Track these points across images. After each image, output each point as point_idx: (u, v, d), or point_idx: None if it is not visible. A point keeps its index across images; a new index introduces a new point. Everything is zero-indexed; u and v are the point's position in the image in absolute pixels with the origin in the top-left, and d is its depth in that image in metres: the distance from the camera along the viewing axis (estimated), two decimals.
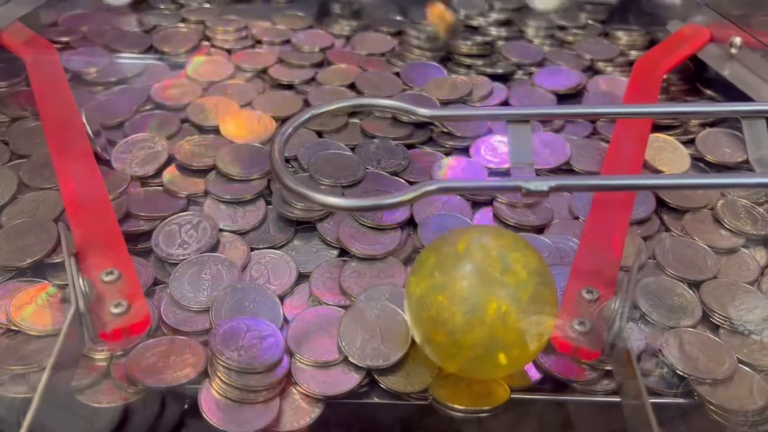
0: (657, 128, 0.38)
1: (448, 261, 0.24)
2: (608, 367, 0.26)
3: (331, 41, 0.47)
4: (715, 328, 0.28)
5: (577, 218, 0.33)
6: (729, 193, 0.34)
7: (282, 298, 0.29)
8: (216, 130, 0.37)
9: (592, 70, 0.45)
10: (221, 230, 0.31)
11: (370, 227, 0.31)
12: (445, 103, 0.40)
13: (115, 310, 0.25)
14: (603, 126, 0.39)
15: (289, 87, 0.42)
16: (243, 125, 0.37)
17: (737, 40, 0.39)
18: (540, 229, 0.32)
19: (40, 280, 0.28)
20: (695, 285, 0.30)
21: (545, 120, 0.39)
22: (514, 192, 0.26)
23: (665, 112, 0.34)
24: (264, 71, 0.43)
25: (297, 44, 0.46)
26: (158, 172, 0.34)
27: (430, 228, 0.31)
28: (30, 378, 0.25)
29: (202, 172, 0.34)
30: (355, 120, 0.39)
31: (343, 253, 0.31)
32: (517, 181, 0.26)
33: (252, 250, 0.31)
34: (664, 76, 0.40)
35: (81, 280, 0.24)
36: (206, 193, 0.33)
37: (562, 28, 0.50)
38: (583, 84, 0.43)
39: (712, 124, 0.39)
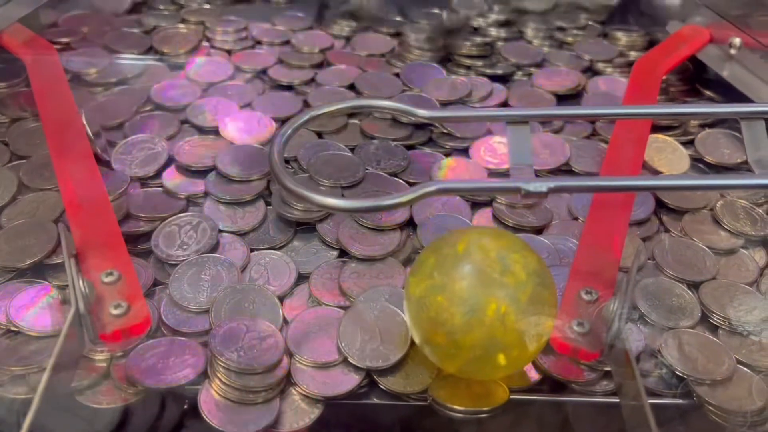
0: (656, 129, 0.38)
1: (447, 262, 0.24)
2: (607, 368, 0.26)
3: (331, 42, 0.47)
4: (714, 329, 0.28)
5: (576, 219, 0.33)
6: (728, 194, 0.34)
7: (281, 299, 0.29)
8: (216, 131, 0.37)
9: (591, 71, 0.46)
10: (221, 231, 0.31)
11: (369, 228, 0.31)
12: (444, 104, 0.40)
13: (114, 311, 0.25)
14: (602, 127, 0.39)
15: (289, 88, 0.42)
16: (243, 126, 0.37)
17: (736, 40, 0.39)
18: (539, 230, 0.32)
19: (40, 281, 0.28)
20: (694, 286, 0.30)
21: (544, 121, 0.39)
22: (513, 193, 0.26)
23: (663, 113, 0.34)
24: (264, 72, 0.43)
25: (297, 45, 0.46)
26: (158, 173, 0.34)
27: (430, 229, 0.31)
28: (30, 379, 0.25)
29: (202, 173, 0.34)
30: (355, 121, 0.39)
31: (343, 254, 0.31)
32: (517, 183, 0.26)
33: (252, 251, 0.31)
34: (664, 77, 0.40)
35: (81, 281, 0.24)
36: (206, 194, 0.33)
37: (561, 29, 0.50)
38: (583, 85, 0.43)
39: (711, 125, 0.39)
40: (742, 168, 0.36)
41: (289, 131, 0.29)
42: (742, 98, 0.38)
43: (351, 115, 0.39)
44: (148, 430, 0.25)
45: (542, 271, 0.24)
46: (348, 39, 0.48)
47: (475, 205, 0.33)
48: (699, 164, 0.37)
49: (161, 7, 0.51)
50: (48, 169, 0.33)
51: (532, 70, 0.45)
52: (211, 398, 0.25)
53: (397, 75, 0.43)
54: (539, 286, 0.23)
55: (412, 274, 0.25)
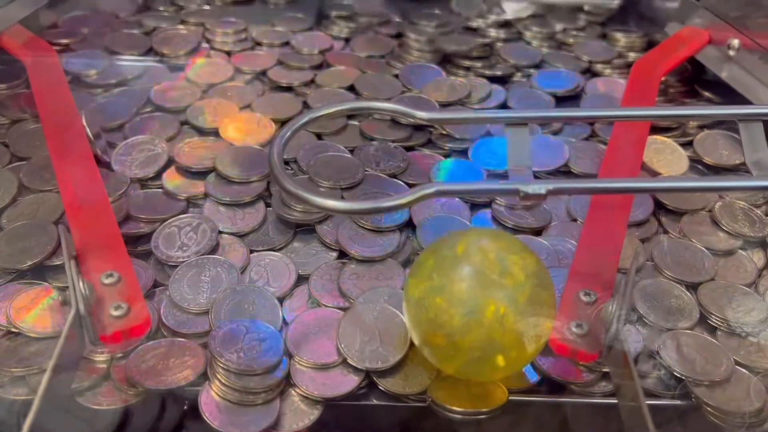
0: (655, 130, 0.38)
1: (446, 263, 0.24)
2: (606, 369, 0.26)
3: (330, 43, 0.47)
4: (712, 330, 0.28)
5: (575, 220, 0.33)
6: (727, 195, 0.34)
7: (281, 300, 0.29)
8: (215, 133, 0.37)
9: (590, 72, 0.46)
10: (221, 232, 0.31)
11: (368, 229, 0.31)
12: (443, 105, 0.41)
13: (115, 313, 0.25)
14: (601, 128, 0.39)
15: (289, 89, 0.42)
16: (242, 127, 0.37)
17: (735, 42, 0.39)
18: (538, 232, 0.32)
19: (41, 282, 0.28)
20: (693, 287, 0.30)
21: (543, 123, 0.39)
22: (512, 195, 0.26)
23: (662, 115, 0.34)
24: (263, 73, 0.43)
25: (296, 46, 0.46)
26: (158, 175, 0.34)
27: (429, 230, 0.31)
28: (30, 380, 0.25)
29: (202, 174, 0.34)
30: (354, 122, 0.39)
31: (342, 255, 0.31)
32: (515, 184, 0.26)
33: (251, 252, 0.31)
34: (663, 78, 0.40)
35: (81, 283, 0.24)
36: (206, 196, 0.33)
37: (560, 30, 0.50)
38: (582, 86, 0.43)
39: (710, 126, 0.39)
40: (741, 169, 0.36)
41: (288, 133, 0.29)
42: (741, 99, 0.38)
43: (350, 117, 0.39)
44: None
45: (541, 272, 0.24)
46: (347, 40, 0.48)
47: (474, 206, 0.34)
48: (698, 165, 0.37)
49: (161, 9, 0.51)
50: (48, 170, 0.33)
51: (531, 71, 0.45)
52: (211, 400, 0.25)
53: (397, 76, 0.43)
54: (538, 287, 0.23)
55: (412, 275, 0.25)
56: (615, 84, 0.43)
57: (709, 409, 0.25)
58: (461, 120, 0.34)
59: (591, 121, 0.39)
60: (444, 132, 0.38)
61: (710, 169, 0.37)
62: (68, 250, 0.25)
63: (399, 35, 0.49)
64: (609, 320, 0.24)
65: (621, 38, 0.49)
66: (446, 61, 0.46)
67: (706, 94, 0.43)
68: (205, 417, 0.24)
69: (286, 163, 0.35)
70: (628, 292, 0.24)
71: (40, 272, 0.29)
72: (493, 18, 0.51)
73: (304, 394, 0.25)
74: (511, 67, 0.45)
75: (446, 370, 0.25)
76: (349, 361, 0.26)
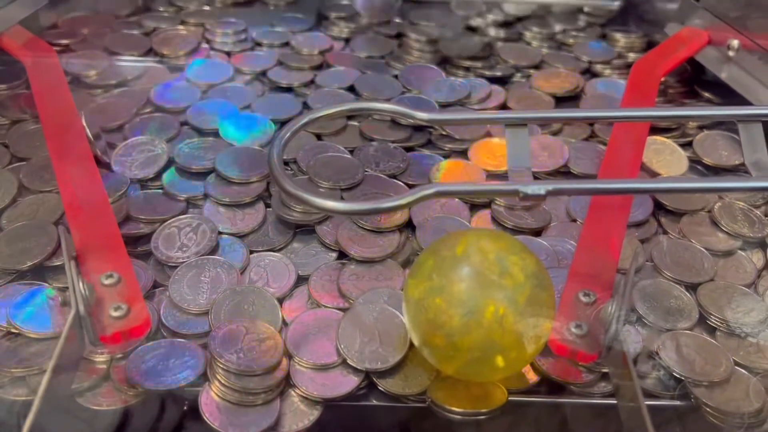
0: (655, 130, 0.38)
1: (446, 264, 0.24)
2: (605, 370, 0.26)
3: (330, 44, 0.47)
4: (711, 331, 0.28)
5: (574, 221, 0.33)
6: (726, 196, 0.34)
7: (281, 301, 0.29)
8: (215, 133, 0.37)
9: (590, 73, 0.46)
10: (220, 233, 0.31)
11: (368, 230, 0.31)
12: (443, 106, 0.41)
13: (114, 314, 0.25)
14: (601, 128, 0.39)
15: (288, 90, 0.42)
16: (242, 128, 0.37)
17: (735, 43, 0.39)
18: (538, 232, 0.32)
19: (41, 283, 0.28)
20: (692, 287, 0.30)
21: (543, 124, 0.39)
22: (511, 196, 0.26)
23: (661, 115, 0.34)
24: (263, 74, 0.43)
25: (296, 47, 0.46)
26: (158, 175, 0.34)
27: (429, 231, 0.31)
28: (30, 381, 0.25)
29: (202, 175, 0.34)
30: (354, 123, 0.39)
31: (342, 255, 0.31)
32: (515, 185, 0.26)
33: (251, 252, 0.31)
34: (662, 79, 0.40)
35: (81, 284, 0.24)
36: (206, 196, 0.33)
37: (560, 30, 0.50)
38: (581, 86, 0.43)
39: (709, 127, 0.39)
40: (741, 169, 0.36)
41: (288, 134, 0.29)
42: (740, 100, 0.38)
43: (350, 117, 0.39)
44: None
45: (540, 273, 0.24)
46: (347, 41, 0.48)
47: (474, 207, 0.34)
48: (697, 166, 0.37)
49: (161, 9, 0.51)
50: (48, 171, 0.33)
51: (531, 71, 0.45)
52: (211, 400, 0.25)
53: (396, 77, 0.43)
54: (537, 288, 0.23)
55: (411, 276, 0.25)
56: (615, 84, 0.43)
57: (708, 409, 0.25)
58: (460, 121, 0.35)
59: (590, 122, 0.39)
60: (444, 132, 0.38)
61: (710, 169, 0.37)
62: (68, 250, 0.25)
63: (399, 35, 0.49)
64: (608, 321, 0.24)
65: (621, 39, 0.49)
66: (446, 61, 0.46)
67: (706, 94, 0.43)
68: (205, 417, 0.24)
69: (286, 163, 0.35)
70: (627, 293, 0.24)
71: (40, 273, 0.29)
72: (492, 18, 0.51)
73: (304, 395, 0.25)
74: (511, 67, 0.45)
75: (446, 371, 0.25)
76: (348, 361, 0.26)
